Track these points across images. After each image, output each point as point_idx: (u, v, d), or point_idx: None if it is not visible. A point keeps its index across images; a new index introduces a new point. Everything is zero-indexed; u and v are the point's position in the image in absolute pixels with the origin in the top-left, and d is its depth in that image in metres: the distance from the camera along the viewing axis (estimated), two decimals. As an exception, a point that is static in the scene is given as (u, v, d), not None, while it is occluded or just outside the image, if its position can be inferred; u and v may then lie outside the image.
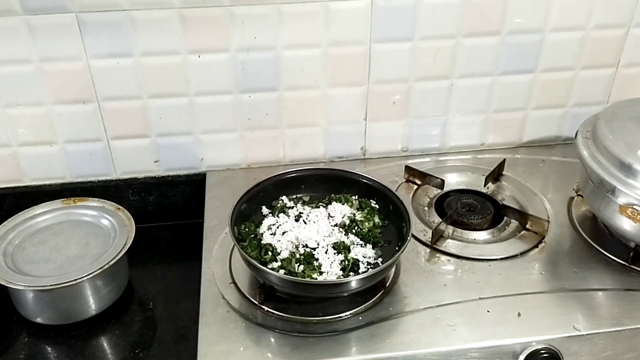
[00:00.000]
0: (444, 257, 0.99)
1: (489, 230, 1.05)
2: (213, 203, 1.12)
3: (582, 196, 1.09)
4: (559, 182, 1.17)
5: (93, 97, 1.09)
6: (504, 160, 1.20)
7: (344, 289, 0.87)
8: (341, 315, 0.88)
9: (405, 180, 1.18)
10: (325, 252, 0.91)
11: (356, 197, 1.04)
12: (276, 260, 0.91)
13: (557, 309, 0.89)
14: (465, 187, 1.15)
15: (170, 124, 1.14)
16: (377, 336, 0.85)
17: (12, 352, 0.93)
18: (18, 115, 1.09)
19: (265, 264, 0.90)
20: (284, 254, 0.92)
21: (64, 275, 0.92)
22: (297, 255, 0.91)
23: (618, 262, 0.97)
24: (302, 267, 0.90)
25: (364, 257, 0.93)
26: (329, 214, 0.99)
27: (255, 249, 0.93)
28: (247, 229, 0.98)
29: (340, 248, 0.92)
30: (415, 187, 1.16)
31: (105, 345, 0.95)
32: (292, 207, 1.03)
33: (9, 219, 1.03)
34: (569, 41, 1.17)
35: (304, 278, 0.87)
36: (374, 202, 1.02)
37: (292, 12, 1.06)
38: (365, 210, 1.01)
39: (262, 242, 0.94)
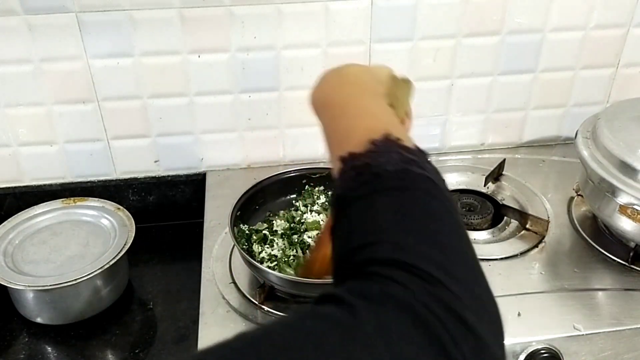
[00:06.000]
0: (444, 257, 0.99)
1: (489, 230, 1.05)
2: (213, 203, 1.12)
3: (582, 196, 1.09)
4: (559, 182, 1.17)
5: (93, 97, 1.09)
6: (504, 160, 1.20)
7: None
8: (341, 315, 0.88)
9: (405, 180, 1.18)
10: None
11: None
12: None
13: (557, 309, 0.89)
14: (465, 187, 1.15)
15: (170, 124, 1.14)
16: (377, 336, 0.85)
17: (12, 352, 0.93)
18: (18, 115, 1.09)
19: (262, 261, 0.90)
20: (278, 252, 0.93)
21: (64, 275, 0.92)
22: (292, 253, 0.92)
23: (618, 262, 0.97)
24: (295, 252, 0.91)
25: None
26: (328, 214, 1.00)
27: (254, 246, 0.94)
28: (247, 228, 0.98)
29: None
30: (415, 187, 1.16)
31: (105, 345, 0.95)
32: (292, 208, 1.04)
33: (9, 219, 1.02)
34: (569, 41, 1.17)
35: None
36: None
37: (292, 12, 1.06)
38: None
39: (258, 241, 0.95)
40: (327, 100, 0.59)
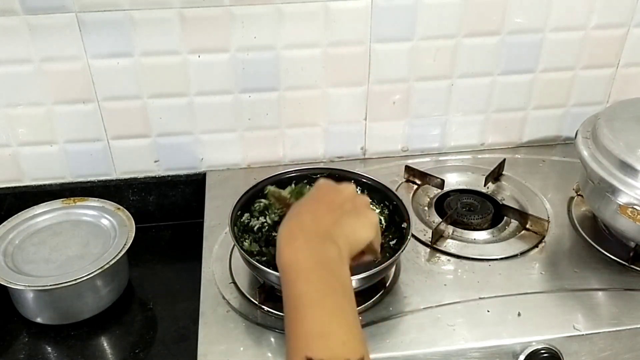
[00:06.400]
0: (444, 257, 0.99)
1: (489, 230, 1.05)
2: (213, 203, 1.12)
3: (582, 196, 1.09)
4: (559, 182, 1.17)
5: (93, 97, 1.09)
6: (504, 160, 1.20)
7: (344, 289, 0.86)
8: (341, 315, 0.88)
9: (405, 180, 1.18)
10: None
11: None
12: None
13: (557, 309, 0.89)
14: (465, 187, 1.15)
15: (170, 124, 1.14)
16: (377, 336, 0.85)
17: (12, 352, 0.93)
18: (18, 115, 1.09)
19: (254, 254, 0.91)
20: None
21: (64, 275, 0.92)
22: None
23: (618, 262, 0.97)
24: None
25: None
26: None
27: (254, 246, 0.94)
28: (247, 217, 0.98)
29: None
30: (415, 187, 1.16)
31: (105, 345, 0.95)
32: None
33: (9, 219, 1.03)
34: (569, 41, 1.17)
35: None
36: (374, 202, 1.02)
37: (292, 12, 1.06)
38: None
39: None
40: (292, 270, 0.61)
